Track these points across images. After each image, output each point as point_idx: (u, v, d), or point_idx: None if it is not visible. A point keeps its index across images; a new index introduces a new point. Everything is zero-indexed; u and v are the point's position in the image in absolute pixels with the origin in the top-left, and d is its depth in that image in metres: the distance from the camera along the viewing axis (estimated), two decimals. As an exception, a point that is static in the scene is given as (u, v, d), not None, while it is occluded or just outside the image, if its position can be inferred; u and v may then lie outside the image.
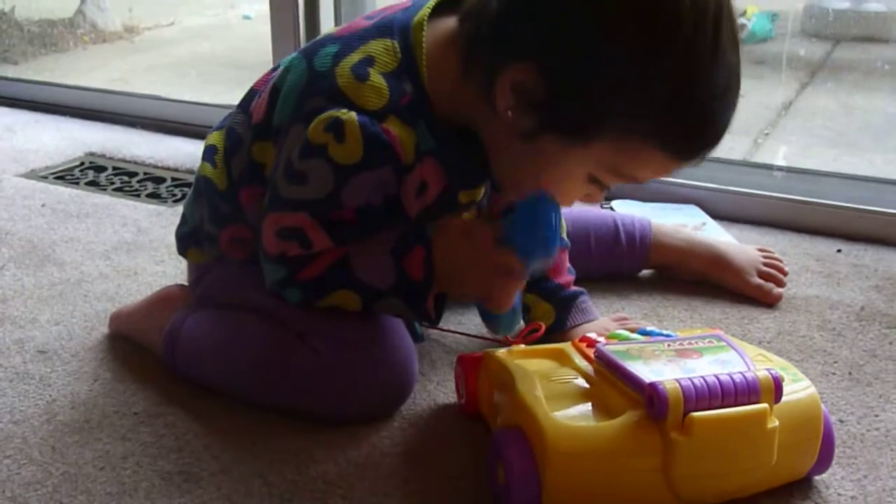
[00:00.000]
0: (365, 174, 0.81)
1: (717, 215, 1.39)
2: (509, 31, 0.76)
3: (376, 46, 0.83)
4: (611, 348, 0.76)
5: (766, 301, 1.14)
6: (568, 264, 1.03)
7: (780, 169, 1.44)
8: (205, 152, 0.97)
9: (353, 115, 0.79)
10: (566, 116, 0.76)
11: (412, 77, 0.82)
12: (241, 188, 0.91)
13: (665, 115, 0.75)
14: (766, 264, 1.18)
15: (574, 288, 1.02)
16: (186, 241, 1.01)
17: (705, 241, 1.21)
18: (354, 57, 0.82)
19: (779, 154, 1.93)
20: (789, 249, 1.30)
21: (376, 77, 0.81)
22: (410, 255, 0.84)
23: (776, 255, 1.21)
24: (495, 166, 0.86)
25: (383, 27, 0.85)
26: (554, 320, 0.99)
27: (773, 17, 3.45)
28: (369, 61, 0.82)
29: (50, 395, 0.95)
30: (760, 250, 1.21)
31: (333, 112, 0.80)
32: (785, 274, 1.18)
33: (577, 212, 1.15)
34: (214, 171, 0.94)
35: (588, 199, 0.86)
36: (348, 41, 0.84)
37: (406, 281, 0.84)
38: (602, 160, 0.79)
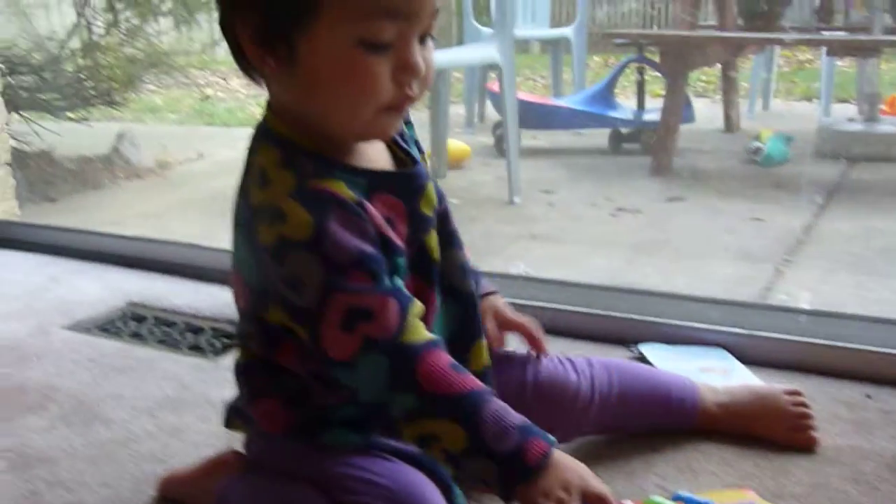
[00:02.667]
0: (327, 230, 0.83)
1: (743, 359, 1.42)
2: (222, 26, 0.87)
3: (261, 156, 0.90)
4: (652, 524, 0.78)
5: (806, 448, 1.17)
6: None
7: (804, 312, 1.48)
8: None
9: (280, 196, 0.85)
10: (283, 11, 0.82)
11: (295, 149, 0.88)
12: (277, 353, 0.94)
13: None
14: (797, 414, 1.20)
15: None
16: (232, 414, 1.04)
17: (733, 402, 1.22)
18: (255, 178, 0.89)
19: (802, 296, 1.96)
20: (817, 395, 1.32)
21: (275, 172, 0.87)
22: (534, 440, 0.85)
23: (802, 399, 1.22)
24: (332, 117, 0.87)
25: (254, 137, 0.92)
26: None
27: (788, 140, 3.54)
28: (262, 171, 0.88)
29: (103, 565, 0.97)
30: (787, 394, 1.23)
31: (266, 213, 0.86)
32: (812, 417, 1.20)
33: (636, 377, 1.19)
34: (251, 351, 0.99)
35: (401, 88, 0.85)
36: (246, 166, 0.92)
37: (518, 458, 0.84)
38: (342, 7, 0.81)
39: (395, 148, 0.97)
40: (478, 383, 0.87)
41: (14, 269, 2.05)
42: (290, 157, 0.88)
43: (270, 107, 0.93)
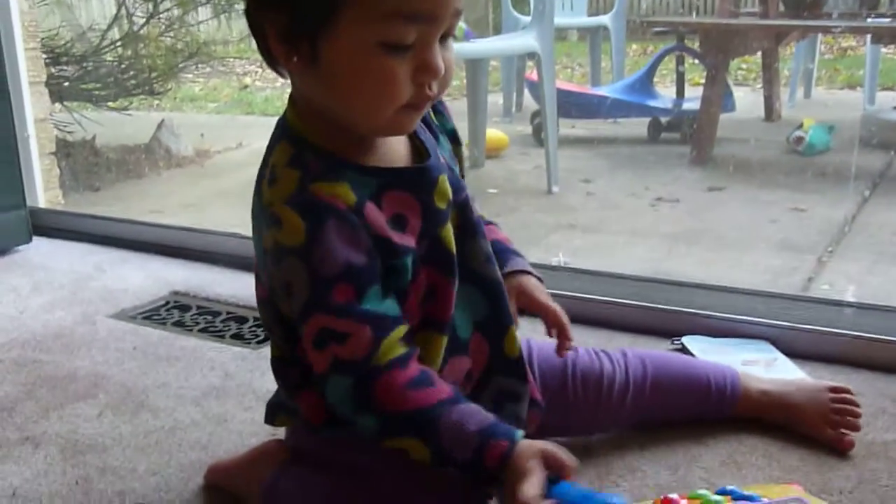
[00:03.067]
0: (320, 238, 0.84)
1: (788, 353, 1.41)
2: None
3: (276, 153, 0.90)
4: (699, 518, 0.78)
5: (839, 449, 1.15)
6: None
7: (850, 305, 1.46)
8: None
9: (278, 201, 0.86)
10: (308, 12, 0.83)
11: (307, 148, 0.89)
12: (297, 348, 0.95)
13: None
14: (836, 410, 1.18)
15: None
16: (276, 409, 1.05)
17: (777, 390, 1.22)
18: (267, 174, 0.90)
19: (847, 290, 1.94)
20: (864, 389, 1.30)
21: (282, 171, 0.88)
22: (493, 443, 0.84)
23: (848, 397, 1.19)
24: (352, 114, 0.88)
25: (274, 133, 0.93)
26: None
27: (831, 128, 3.49)
28: (272, 168, 0.89)
29: (152, 552, 0.99)
30: (832, 390, 1.21)
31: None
32: (858, 416, 1.18)
33: (670, 363, 1.20)
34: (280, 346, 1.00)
35: (420, 89, 0.85)
36: (263, 159, 0.92)
37: (478, 464, 0.84)
38: (364, 10, 0.81)
39: (414, 139, 0.96)
40: (440, 394, 0.86)
41: (59, 257, 2.08)
42: (300, 156, 0.89)
43: (293, 101, 0.93)
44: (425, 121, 0.98)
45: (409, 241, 0.90)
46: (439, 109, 1.02)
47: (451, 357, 0.94)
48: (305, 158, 0.88)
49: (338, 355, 0.86)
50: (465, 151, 1.02)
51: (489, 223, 1.06)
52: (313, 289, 0.85)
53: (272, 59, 0.89)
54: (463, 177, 1.01)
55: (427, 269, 0.92)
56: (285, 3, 0.84)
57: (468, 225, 0.97)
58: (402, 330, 0.88)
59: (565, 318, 1.05)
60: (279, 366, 0.99)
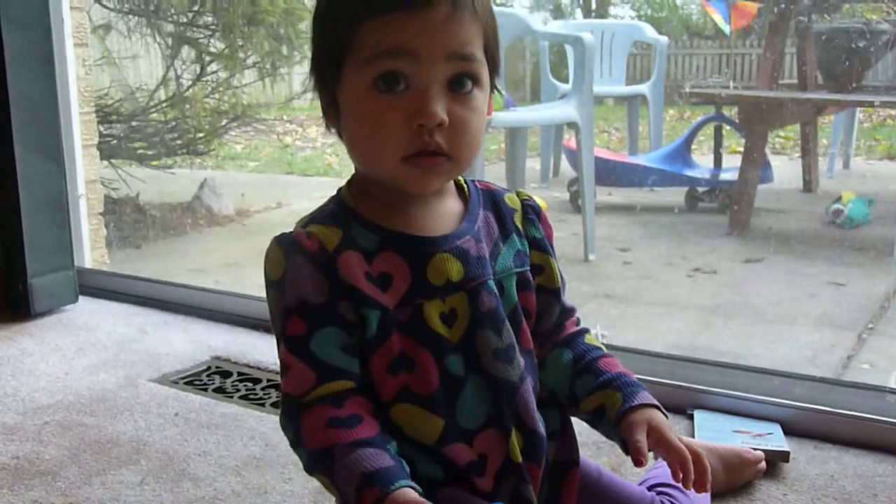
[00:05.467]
0: (289, 273, 0.89)
1: (826, 438, 1.40)
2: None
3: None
4: None
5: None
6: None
7: (893, 392, 1.45)
8: None
9: (275, 238, 0.91)
10: (324, 65, 0.90)
11: (336, 201, 0.94)
12: None
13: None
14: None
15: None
16: None
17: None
18: None
19: (888, 370, 1.92)
20: (907, 479, 1.29)
21: (302, 217, 0.94)
22: (368, 490, 0.83)
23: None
24: (362, 165, 0.93)
25: None
26: (621, 402, 0.95)
27: (870, 202, 3.48)
28: None
29: None
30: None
31: None
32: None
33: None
34: None
35: (418, 137, 0.86)
36: None
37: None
38: (358, 53, 0.86)
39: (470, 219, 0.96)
40: (352, 435, 0.86)
41: (104, 318, 2.12)
42: (331, 199, 0.94)
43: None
44: (499, 217, 0.99)
45: (384, 298, 0.90)
46: (531, 217, 1.01)
47: (447, 443, 0.91)
48: (326, 206, 0.93)
49: (283, 387, 0.90)
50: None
51: (607, 356, 1.01)
52: (278, 320, 0.90)
53: (328, 122, 0.94)
54: (554, 290, 1.01)
55: (403, 338, 0.91)
56: (314, 62, 0.91)
57: (477, 315, 0.93)
58: (347, 384, 0.89)
59: (691, 465, 0.90)
60: None
